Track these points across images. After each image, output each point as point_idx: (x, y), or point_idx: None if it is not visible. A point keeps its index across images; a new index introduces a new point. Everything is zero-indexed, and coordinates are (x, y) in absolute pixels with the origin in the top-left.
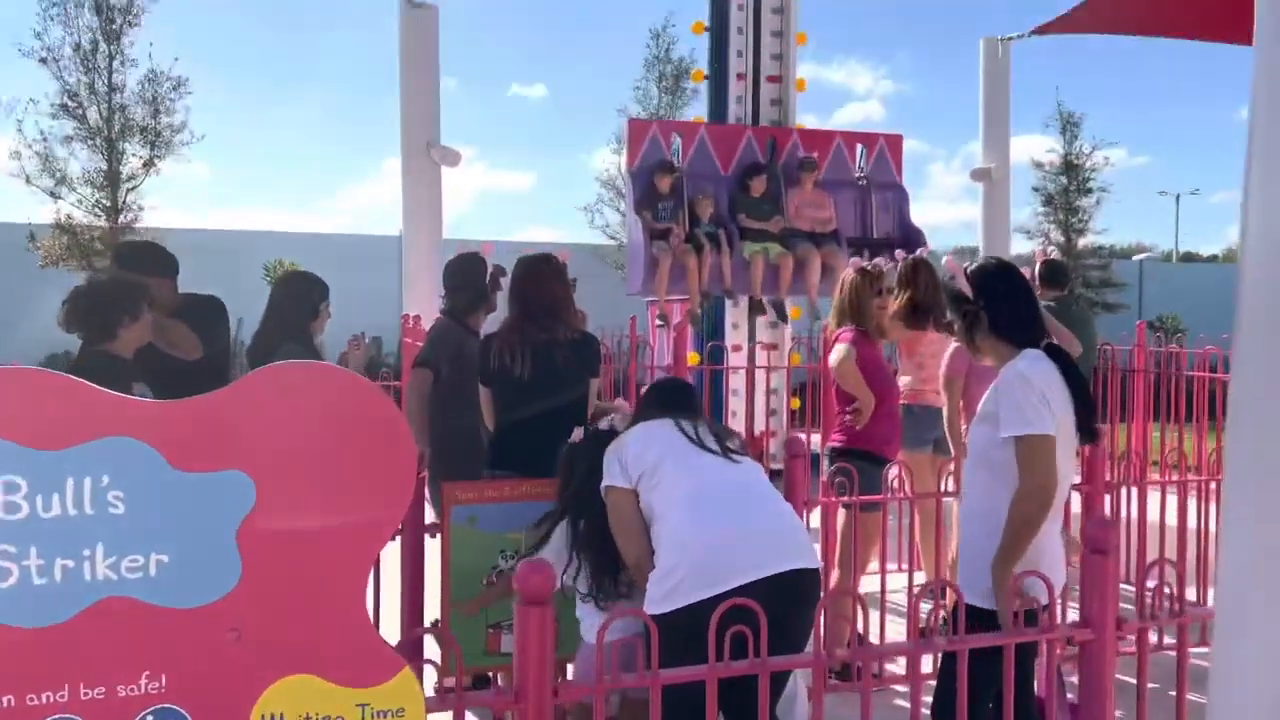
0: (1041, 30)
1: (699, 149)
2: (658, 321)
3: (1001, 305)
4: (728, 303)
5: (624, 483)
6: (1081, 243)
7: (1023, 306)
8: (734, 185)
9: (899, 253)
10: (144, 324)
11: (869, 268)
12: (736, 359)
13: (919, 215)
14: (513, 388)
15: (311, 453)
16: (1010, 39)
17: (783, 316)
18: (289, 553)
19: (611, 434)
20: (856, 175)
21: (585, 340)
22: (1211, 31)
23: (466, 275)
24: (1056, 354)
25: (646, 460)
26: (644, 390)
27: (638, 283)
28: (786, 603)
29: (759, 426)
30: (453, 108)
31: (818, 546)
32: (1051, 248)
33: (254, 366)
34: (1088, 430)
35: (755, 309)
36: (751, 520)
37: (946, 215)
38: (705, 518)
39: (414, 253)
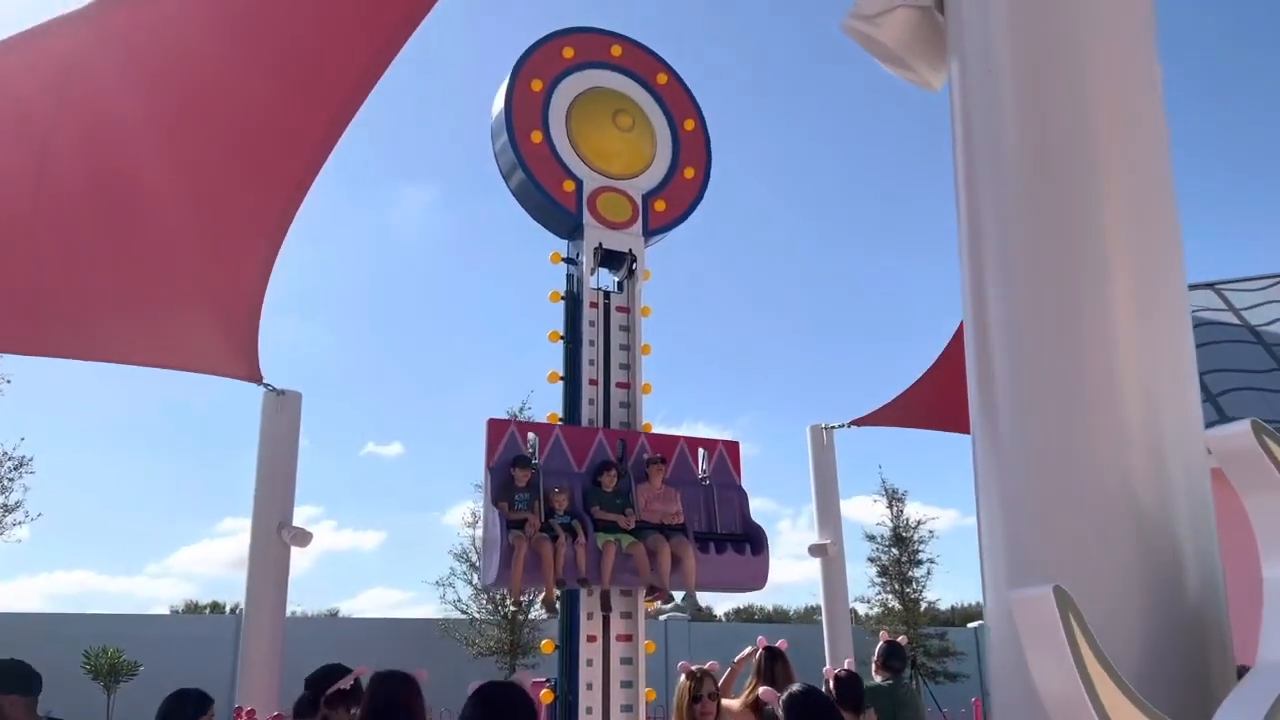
0: (859, 422)
1: (554, 448)
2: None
3: None
4: (581, 593)
5: None
6: (924, 605)
7: None
8: (587, 480)
9: (760, 639)
10: None
11: (694, 670)
12: (590, 649)
13: (773, 571)
14: None
15: None
16: (833, 427)
17: (669, 600)
18: None
19: None
20: (700, 476)
21: None
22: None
23: None
24: None
25: None
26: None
27: (493, 573)
28: None
29: None
30: (302, 468)
31: None
32: (899, 633)
33: None
34: None
35: (605, 604)
36: None
37: (796, 573)
38: None
39: (254, 638)
